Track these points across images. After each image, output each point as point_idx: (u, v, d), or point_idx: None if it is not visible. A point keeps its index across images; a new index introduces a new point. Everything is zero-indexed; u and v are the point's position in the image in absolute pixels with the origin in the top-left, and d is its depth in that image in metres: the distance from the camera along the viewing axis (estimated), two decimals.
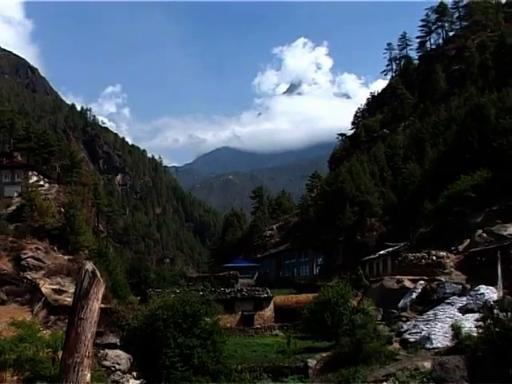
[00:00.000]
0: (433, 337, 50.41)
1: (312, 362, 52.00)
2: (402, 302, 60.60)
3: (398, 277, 65.00)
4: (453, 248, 67.01)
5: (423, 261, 65.16)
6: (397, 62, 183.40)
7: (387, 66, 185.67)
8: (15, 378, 44.28)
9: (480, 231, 66.28)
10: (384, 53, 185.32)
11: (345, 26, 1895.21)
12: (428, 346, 49.60)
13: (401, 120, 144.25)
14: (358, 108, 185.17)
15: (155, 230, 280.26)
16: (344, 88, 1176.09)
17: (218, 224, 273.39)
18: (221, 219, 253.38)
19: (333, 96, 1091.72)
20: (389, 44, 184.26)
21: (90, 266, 8.32)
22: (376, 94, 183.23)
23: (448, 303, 55.71)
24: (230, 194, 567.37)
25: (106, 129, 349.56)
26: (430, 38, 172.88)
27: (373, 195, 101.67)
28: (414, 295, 60.51)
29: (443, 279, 60.08)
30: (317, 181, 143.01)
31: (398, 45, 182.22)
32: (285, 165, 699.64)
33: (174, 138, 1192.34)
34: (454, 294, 57.15)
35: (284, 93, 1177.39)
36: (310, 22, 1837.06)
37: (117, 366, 50.96)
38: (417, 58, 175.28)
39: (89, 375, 7.91)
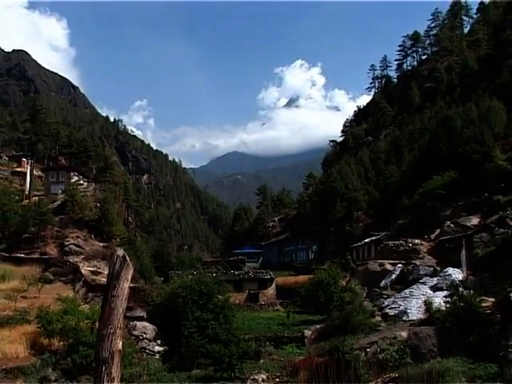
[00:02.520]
0: (409, 311, 50.44)
1: (308, 333, 52.11)
2: (383, 282, 60.58)
3: (380, 261, 64.94)
4: (426, 236, 66.95)
5: (401, 247, 65.10)
6: (379, 80, 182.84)
7: (371, 83, 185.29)
8: (61, 343, 44.69)
9: (448, 222, 66.20)
10: (368, 72, 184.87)
11: (336, 49, 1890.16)
12: (405, 318, 49.64)
13: (382, 129, 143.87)
14: (347, 119, 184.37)
15: (176, 221, 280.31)
16: (335, 102, 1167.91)
17: (228, 216, 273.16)
18: (231, 212, 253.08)
19: (325, 108, 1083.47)
20: (372, 65, 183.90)
21: (121, 251, 8.37)
22: (362, 107, 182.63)
23: (421, 283, 55.71)
24: (238, 191, 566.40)
25: (135, 136, 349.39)
26: (406, 61, 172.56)
27: (359, 192, 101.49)
28: (394, 276, 60.49)
29: (418, 263, 60.05)
30: (312, 180, 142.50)
31: (380, 66, 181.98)
32: (285, 166, 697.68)
33: (191, 144, 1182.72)
34: (426, 275, 57.15)
35: (284, 106, 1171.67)
36: (306, 46, 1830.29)
37: (144, 335, 51.16)
38: (395, 77, 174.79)
39: (121, 343, 7.97)
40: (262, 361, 46.89)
